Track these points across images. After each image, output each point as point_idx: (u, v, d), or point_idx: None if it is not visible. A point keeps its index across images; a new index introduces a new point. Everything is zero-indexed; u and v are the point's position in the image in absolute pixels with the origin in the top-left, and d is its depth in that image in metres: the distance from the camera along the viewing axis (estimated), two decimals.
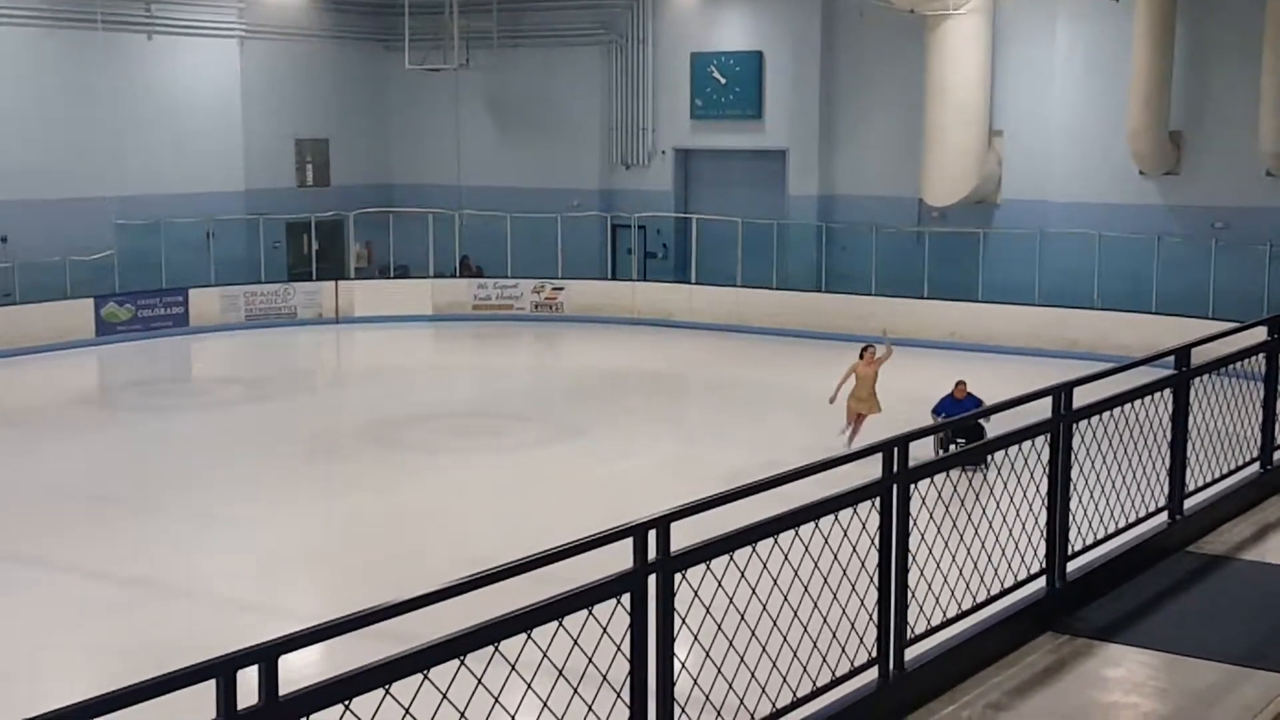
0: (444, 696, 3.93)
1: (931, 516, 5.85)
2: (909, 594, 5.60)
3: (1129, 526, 7.16)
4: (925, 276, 29.51)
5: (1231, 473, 8.28)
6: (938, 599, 5.87)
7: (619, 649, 4.46)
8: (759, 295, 31.13)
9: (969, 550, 6.09)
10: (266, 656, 3.43)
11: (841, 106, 31.47)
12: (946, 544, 5.96)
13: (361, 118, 35.50)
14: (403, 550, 15.69)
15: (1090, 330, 27.55)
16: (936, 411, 18.58)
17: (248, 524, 17.17)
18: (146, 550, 15.95)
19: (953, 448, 17.71)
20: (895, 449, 5.46)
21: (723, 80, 32.70)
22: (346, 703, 3.62)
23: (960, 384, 19.02)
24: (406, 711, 3.83)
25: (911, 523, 5.56)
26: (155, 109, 31.36)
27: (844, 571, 5.37)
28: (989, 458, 14.41)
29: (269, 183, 33.26)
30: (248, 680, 3.40)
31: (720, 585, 4.85)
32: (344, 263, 33.77)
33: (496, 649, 4.01)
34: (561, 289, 32.69)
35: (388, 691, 3.72)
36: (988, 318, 28.70)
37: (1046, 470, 6.49)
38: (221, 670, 3.33)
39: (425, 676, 3.81)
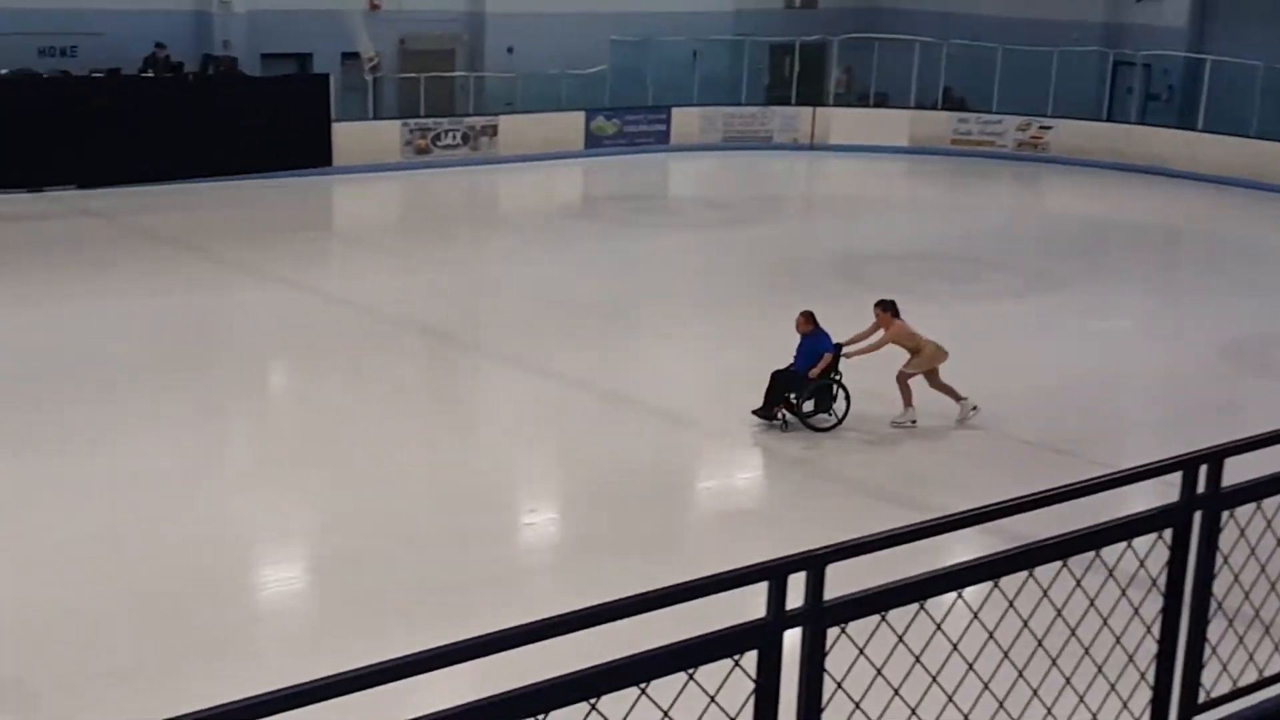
0: None
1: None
2: (1209, 650, 4.23)
3: None
4: None
5: None
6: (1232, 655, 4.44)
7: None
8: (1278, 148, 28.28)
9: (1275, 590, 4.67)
10: (814, 564, 3.18)
11: None
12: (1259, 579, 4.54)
13: None
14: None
15: None
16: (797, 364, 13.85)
17: (709, 345, 17.30)
18: (618, 363, 16.51)
19: (807, 405, 13.60)
20: (1204, 465, 4.05)
21: None
22: None
23: (802, 316, 13.95)
24: None
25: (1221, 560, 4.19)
26: None
27: (1105, 621, 3.96)
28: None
29: (757, 3, 33.00)
30: None
31: (901, 640, 3.47)
32: (823, 88, 33.27)
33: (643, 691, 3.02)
34: (1049, 128, 30.96)
35: None
36: None
37: None
38: (774, 574, 3.12)
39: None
